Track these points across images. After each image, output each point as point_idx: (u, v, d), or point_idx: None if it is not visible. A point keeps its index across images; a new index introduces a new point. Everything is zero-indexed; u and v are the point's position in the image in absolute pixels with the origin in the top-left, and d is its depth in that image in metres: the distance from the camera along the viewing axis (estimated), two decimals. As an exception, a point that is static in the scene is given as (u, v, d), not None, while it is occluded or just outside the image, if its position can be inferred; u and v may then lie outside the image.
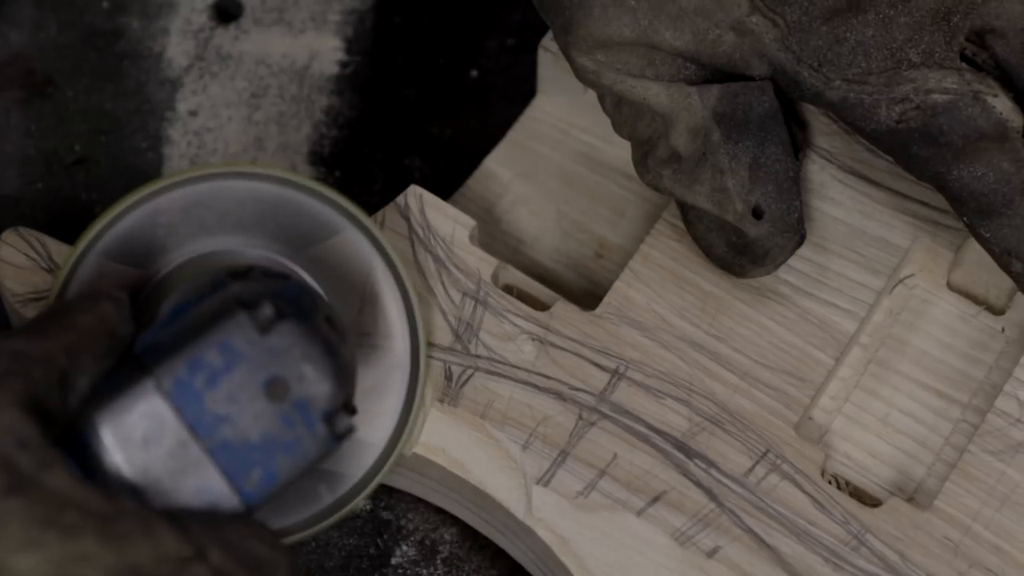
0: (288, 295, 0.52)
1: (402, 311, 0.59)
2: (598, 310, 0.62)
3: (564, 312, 0.62)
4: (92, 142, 0.73)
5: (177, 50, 0.75)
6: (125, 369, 0.51)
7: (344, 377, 0.52)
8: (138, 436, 0.49)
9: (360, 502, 0.58)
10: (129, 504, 0.48)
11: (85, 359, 0.50)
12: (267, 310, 0.50)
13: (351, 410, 0.52)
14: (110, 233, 0.58)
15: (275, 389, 0.50)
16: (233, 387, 0.50)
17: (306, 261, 0.58)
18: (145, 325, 0.54)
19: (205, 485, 0.50)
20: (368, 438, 0.58)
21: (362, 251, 0.59)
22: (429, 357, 0.60)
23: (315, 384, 0.51)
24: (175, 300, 0.55)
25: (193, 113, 0.74)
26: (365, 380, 0.58)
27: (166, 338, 0.51)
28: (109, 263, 0.58)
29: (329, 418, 0.51)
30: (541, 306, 0.63)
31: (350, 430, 0.51)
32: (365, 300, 0.59)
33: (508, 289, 0.63)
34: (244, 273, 0.53)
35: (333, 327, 0.53)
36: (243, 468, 0.50)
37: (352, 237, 0.59)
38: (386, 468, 0.59)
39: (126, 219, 0.58)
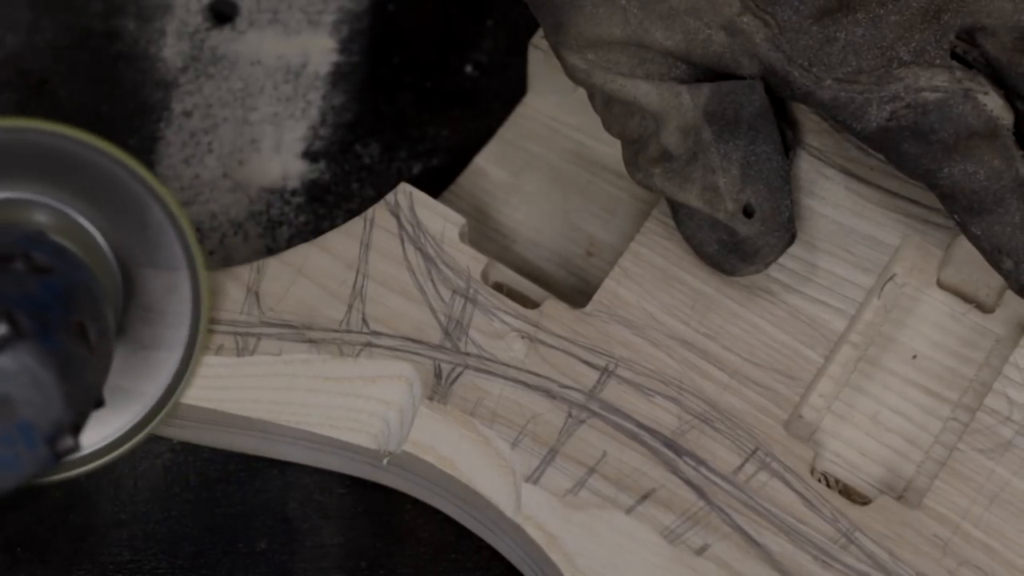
0: (40, 302, 0.51)
1: (181, 248, 0.58)
2: (588, 308, 0.62)
3: (554, 310, 0.62)
4: (88, 143, 0.73)
5: (172, 51, 0.75)
6: None
7: (77, 400, 0.51)
8: None
9: (118, 455, 0.58)
10: None
11: None
12: (2, 328, 0.49)
13: (79, 428, 0.51)
14: None
15: (1, 408, 0.50)
16: None
17: (86, 204, 0.57)
18: None
19: None
20: (143, 388, 0.59)
21: (138, 193, 0.58)
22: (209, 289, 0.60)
23: (42, 410, 0.50)
24: None
25: (188, 114, 0.74)
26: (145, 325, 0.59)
27: None
28: None
29: (52, 440, 0.50)
30: (531, 304, 0.63)
31: (72, 449, 0.51)
32: (148, 232, 0.58)
33: (498, 287, 0.63)
34: (7, 258, 0.52)
35: (84, 336, 0.51)
36: None
37: (128, 180, 0.58)
38: (155, 422, 0.58)
39: None
